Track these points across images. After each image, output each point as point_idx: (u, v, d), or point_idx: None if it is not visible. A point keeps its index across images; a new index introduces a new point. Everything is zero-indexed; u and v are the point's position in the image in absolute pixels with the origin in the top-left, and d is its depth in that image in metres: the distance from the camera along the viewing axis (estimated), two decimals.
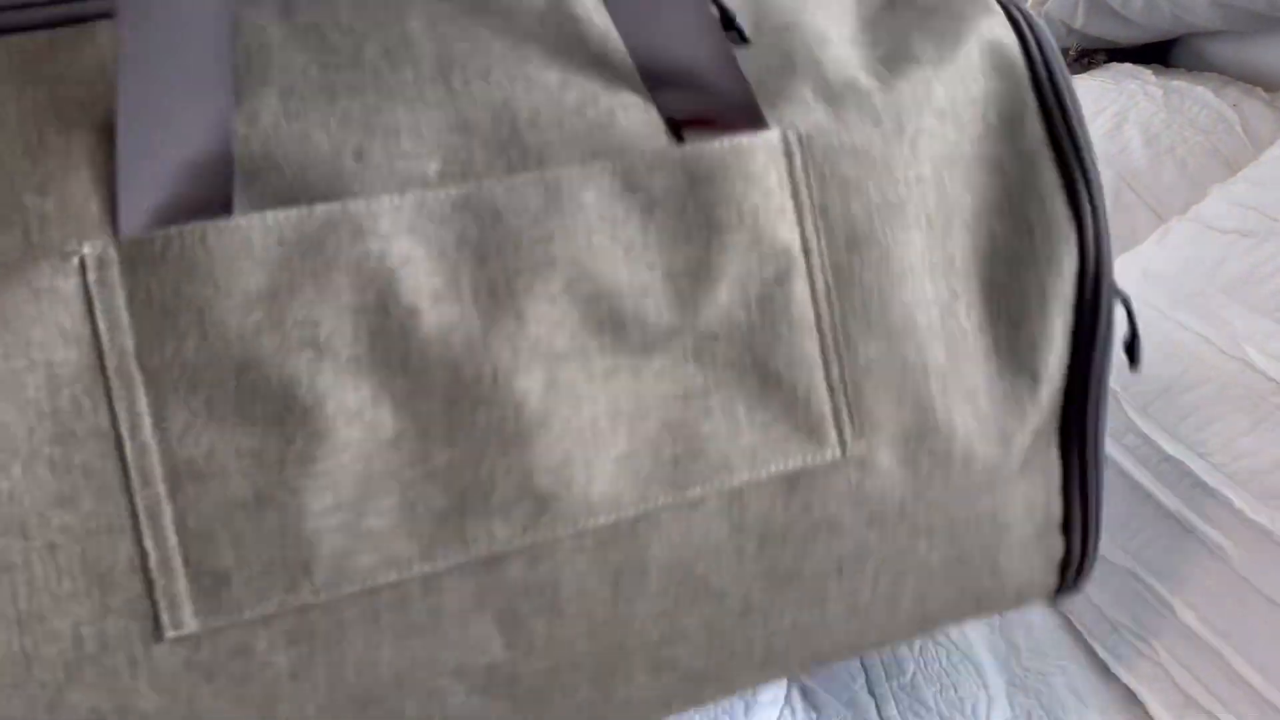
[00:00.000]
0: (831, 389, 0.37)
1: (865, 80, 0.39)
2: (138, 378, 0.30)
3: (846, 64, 0.40)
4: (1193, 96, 0.86)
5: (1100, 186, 0.41)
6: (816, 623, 0.39)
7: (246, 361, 0.31)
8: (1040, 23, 0.42)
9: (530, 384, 0.33)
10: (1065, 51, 1.10)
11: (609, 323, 0.35)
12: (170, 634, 0.31)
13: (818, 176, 0.37)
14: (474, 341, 0.33)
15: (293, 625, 0.32)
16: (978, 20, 0.41)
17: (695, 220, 0.36)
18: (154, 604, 0.31)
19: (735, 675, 0.39)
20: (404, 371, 0.32)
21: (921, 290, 0.39)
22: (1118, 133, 0.87)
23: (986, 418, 0.39)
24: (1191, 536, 0.50)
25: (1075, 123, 0.41)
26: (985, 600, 0.42)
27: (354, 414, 0.31)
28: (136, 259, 0.31)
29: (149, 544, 0.30)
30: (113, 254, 0.30)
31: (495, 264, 0.33)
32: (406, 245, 0.32)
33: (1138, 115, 0.87)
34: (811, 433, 0.37)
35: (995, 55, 0.41)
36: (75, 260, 0.30)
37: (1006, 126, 0.41)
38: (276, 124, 0.33)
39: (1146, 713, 0.48)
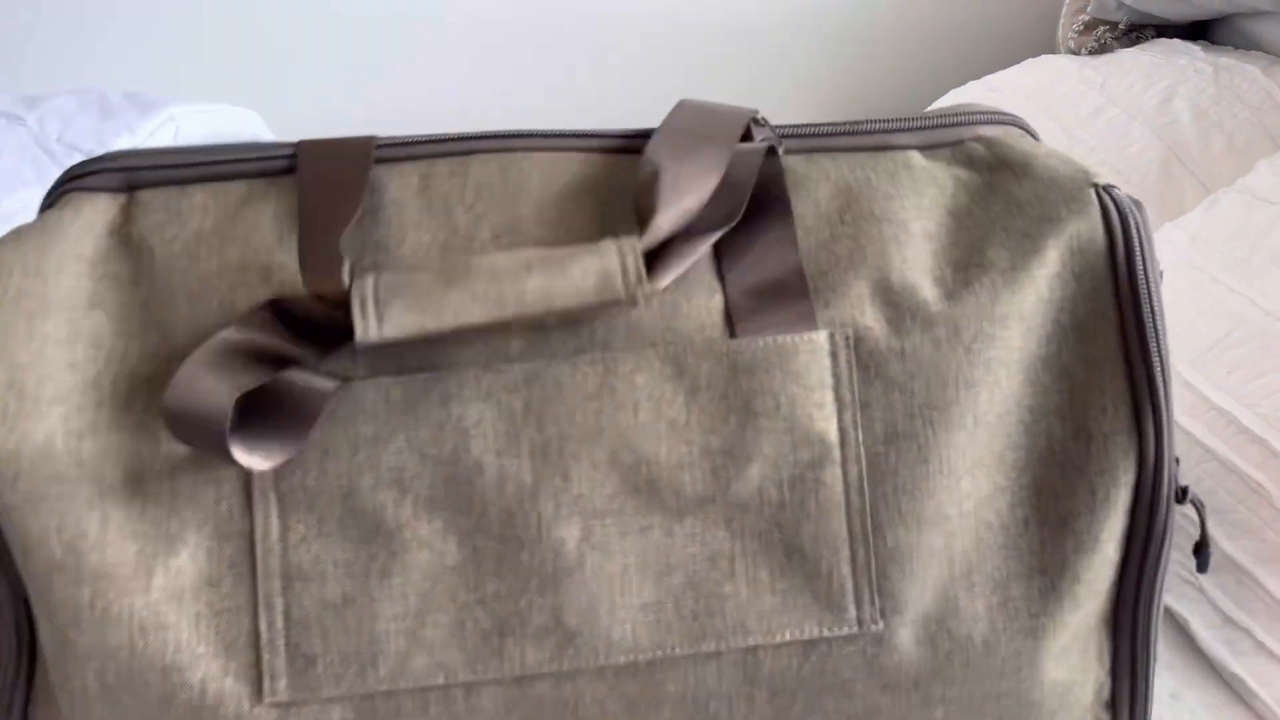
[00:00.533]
0: (855, 568, 0.40)
1: (928, 288, 0.41)
2: (273, 497, 0.39)
3: (914, 266, 0.41)
4: (1241, 74, 0.89)
5: (1169, 400, 0.41)
6: None
7: (349, 491, 0.39)
8: (1138, 224, 0.41)
9: (568, 534, 0.39)
10: (1114, 25, 1.13)
11: (645, 488, 0.40)
12: (268, 699, 0.39)
13: (862, 373, 0.41)
14: (524, 493, 0.39)
15: (358, 708, 0.39)
16: (1067, 223, 0.42)
17: (734, 405, 0.40)
18: (259, 674, 0.39)
19: None
20: (467, 512, 0.39)
21: (956, 485, 0.41)
22: (1167, 106, 0.91)
23: (1016, 610, 0.41)
24: (1234, 476, 0.55)
25: (1152, 335, 0.41)
26: None
27: (425, 542, 0.39)
28: None
29: (263, 625, 0.39)
30: None
31: (551, 429, 0.40)
32: (480, 409, 0.39)
33: (1187, 90, 0.91)
34: (831, 606, 0.40)
35: (1079, 260, 0.41)
36: None
37: (1079, 332, 0.41)
38: None
39: (1186, 631, 0.53)
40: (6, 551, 0.39)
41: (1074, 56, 1.13)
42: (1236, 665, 0.50)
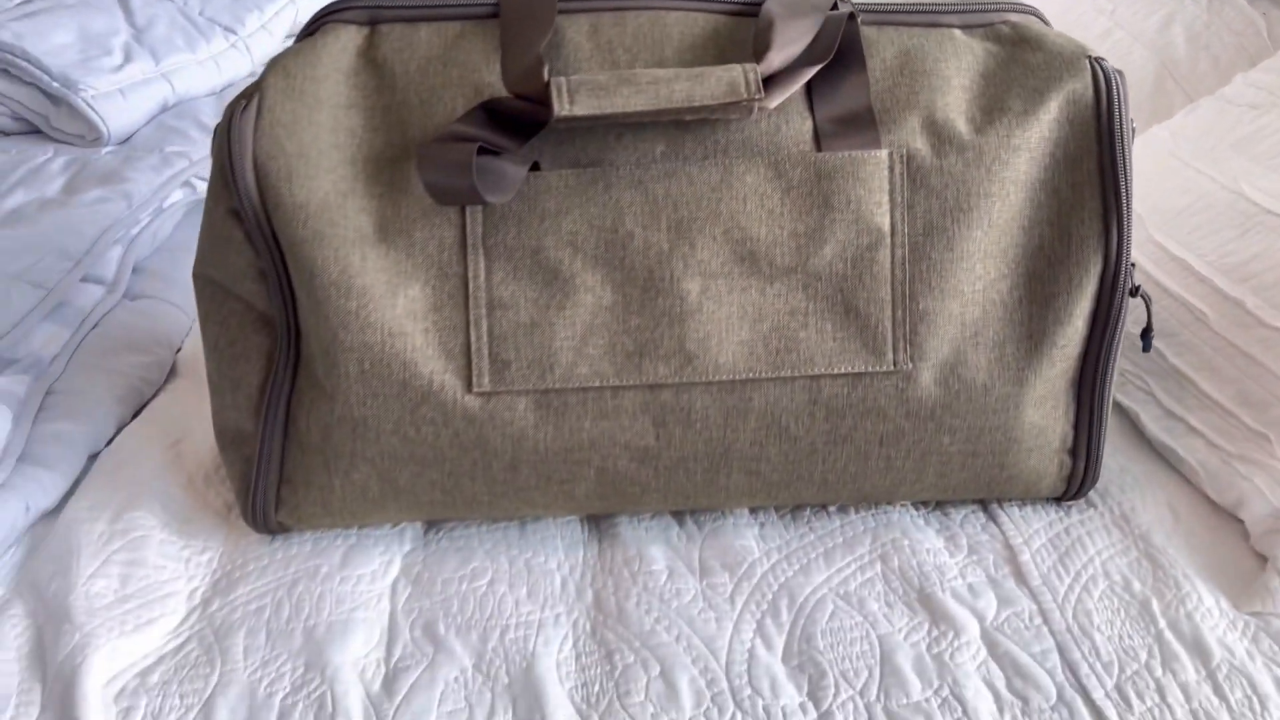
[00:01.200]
0: (894, 324, 0.55)
1: (962, 124, 0.56)
2: (481, 250, 0.55)
3: (952, 109, 0.56)
4: (1231, 3, 1.03)
5: (1129, 214, 0.55)
6: (860, 471, 0.58)
7: (537, 248, 0.55)
8: (1118, 86, 0.56)
9: (691, 287, 0.55)
10: None
11: (748, 257, 0.55)
12: (475, 390, 0.55)
13: (910, 183, 0.55)
14: (662, 256, 0.55)
15: (538, 400, 0.55)
16: (1066, 81, 0.56)
17: (817, 201, 0.55)
18: (469, 372, 0.55)
19: (800, 491, 0.59)
20: (620, 267, 0.55)
21: (972, 269, 0.56)
22: (1165, 30, 1.04)
23: (1008, 364, 0.56)
24: (1184, 309, 0.70)
25: (1120, 167, 0.55)
26: (994, 487, 0.60)
27: (589, 287, 0.55)
28: None
29: (473, 338, 0.55)
30: None
31: (683, 210, 0.55)
32: (633, 194, 0.55)
33: (1183, 17, 1.05)
34: (875, 350, 0.56)
35: (1073, 109, 0.56)
36: None
37: (1069, 162, 0.56)
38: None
39: (1136, 424, 0.69)
40: (289, 282, 0.55)
41: None
42: (1173, 443, 0.66)
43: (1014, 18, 0.60)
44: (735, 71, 0.52)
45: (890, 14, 0.59)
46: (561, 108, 0.51)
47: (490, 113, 0.53)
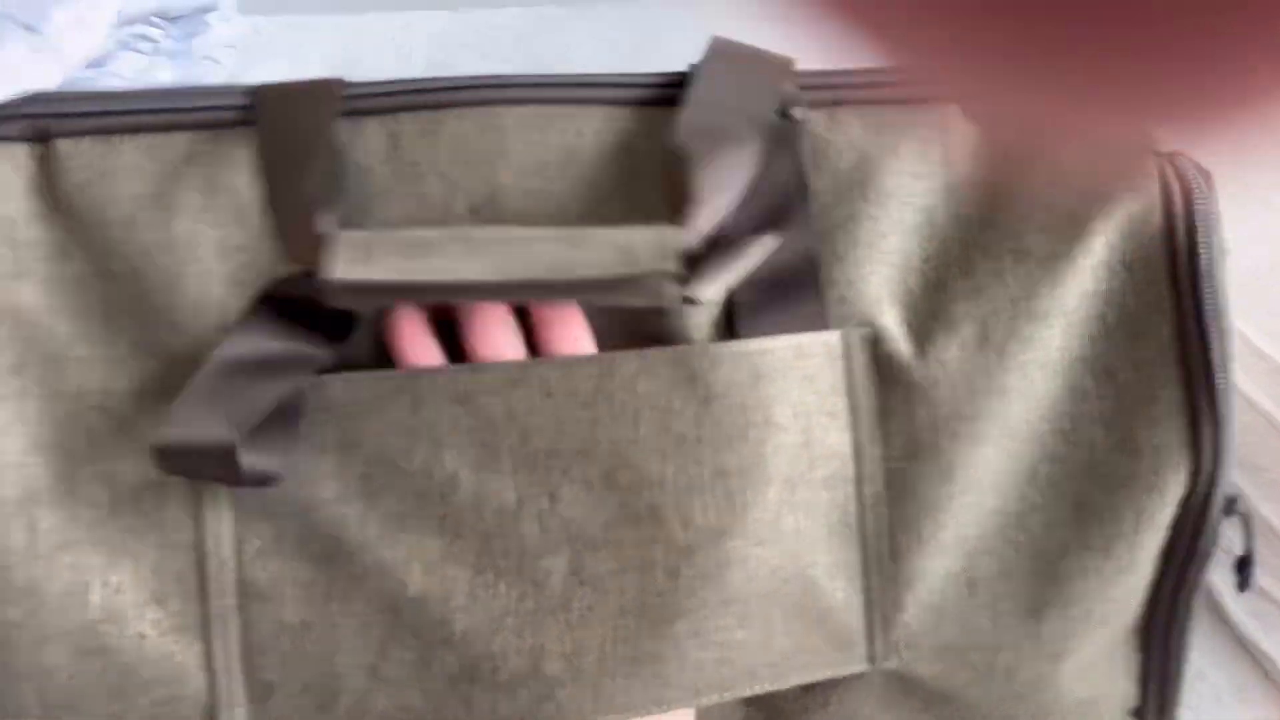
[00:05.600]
0: (869, 602, 0.36)
1: (956, 281, 0.36)
2: (225, 502, 0.34)
3: (940, 256, 0.36)
4: None
5: (1231, 409, 0.36)
6: None
7: (309, 504, 0.34)
8: (1204, 201, 0.36)
9: (554, 565, 0.34)
10: None
11: (648, 517, 0.34)
12: None
13: (880, 381, 0.36)
14: (505, 513, 0.34)
15: None
16: (1120, 201, 0.36)
17: (754, 419, 0.34)
18: (214, 699, 0.35)
19: None
20: (439, 532, 0.34)
21: (981, 504, 0.36)
22: None
23: (1040, 636, 0.37)
24: (1275, 431, 0.51)
25: (1214, 335, 0.35)
26: None
27: (388, 568, 0.34)
28: None
29: (217, 647, 0.35)
30: None
31: (537, 440, 0.34)
32: (454, 414, 0.34)
33: None
34: (842, 645, 0.36)
35: (1131, 245, 0.36)
36: None
37: (1128, 328, 0.36)
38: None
39: (1211, 598, 0.51)
40: None
41: None
42: (1267, 642, 0.47)
43: None
44: (639, 236, 0.32)
45: (855, 87, 0.38)
46: (333, 269, 0.31)
47: (281, 307, 0.34)
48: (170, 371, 0.34)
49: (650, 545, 0.35)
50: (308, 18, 0.86)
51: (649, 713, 0.35)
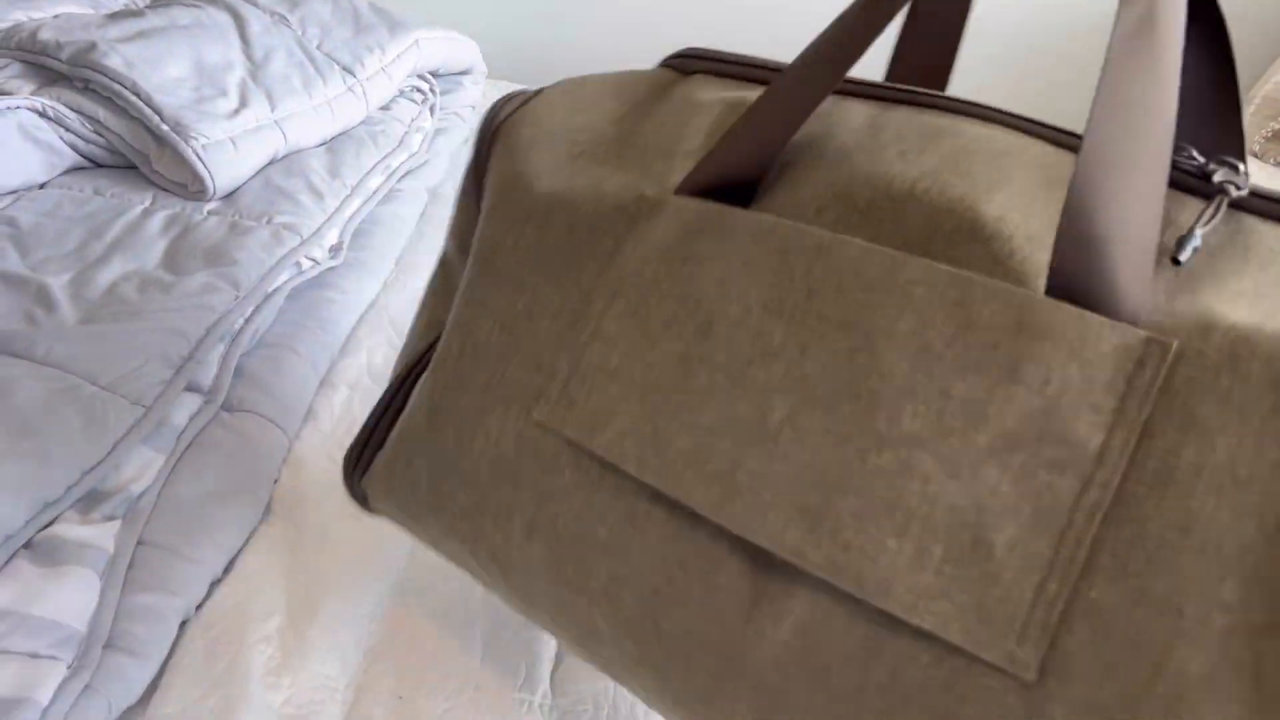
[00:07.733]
0: (1037, 599, 0.33)
1: None
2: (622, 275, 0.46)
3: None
4: None
5: None
6: None
7: (670, 291, 0.44)
8: None
9: (782, 404, 0.40)
10: None
11: (847, 395, 0.37)
12: (535, 415, 0.45)
13: (1165, 397, 0.33)
14: (769, 349, 0.39)
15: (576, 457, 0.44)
16: None
17: (999, 362, 0.34)
18: (539, 394, 0.46)
19: None
20: (702, 336, 0.42)
21: (1213, 583, 0.31)
22: None
23: None
24: None
25: None
26: None
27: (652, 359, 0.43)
28: None
29: (561, 361, 0.45)
30: None
31: (817, 303, 0.39)
32: (773, 262, 0.41)
33: None
34: (988, 621, 0.33)
35: None
36: None
37: None
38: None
39: None
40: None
41: (1257, 159, 1.15)
42: None
43: None
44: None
45: None
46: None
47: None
48: None
49: (854, 422, 0.36)
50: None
51: (800, 552, 0.38)
